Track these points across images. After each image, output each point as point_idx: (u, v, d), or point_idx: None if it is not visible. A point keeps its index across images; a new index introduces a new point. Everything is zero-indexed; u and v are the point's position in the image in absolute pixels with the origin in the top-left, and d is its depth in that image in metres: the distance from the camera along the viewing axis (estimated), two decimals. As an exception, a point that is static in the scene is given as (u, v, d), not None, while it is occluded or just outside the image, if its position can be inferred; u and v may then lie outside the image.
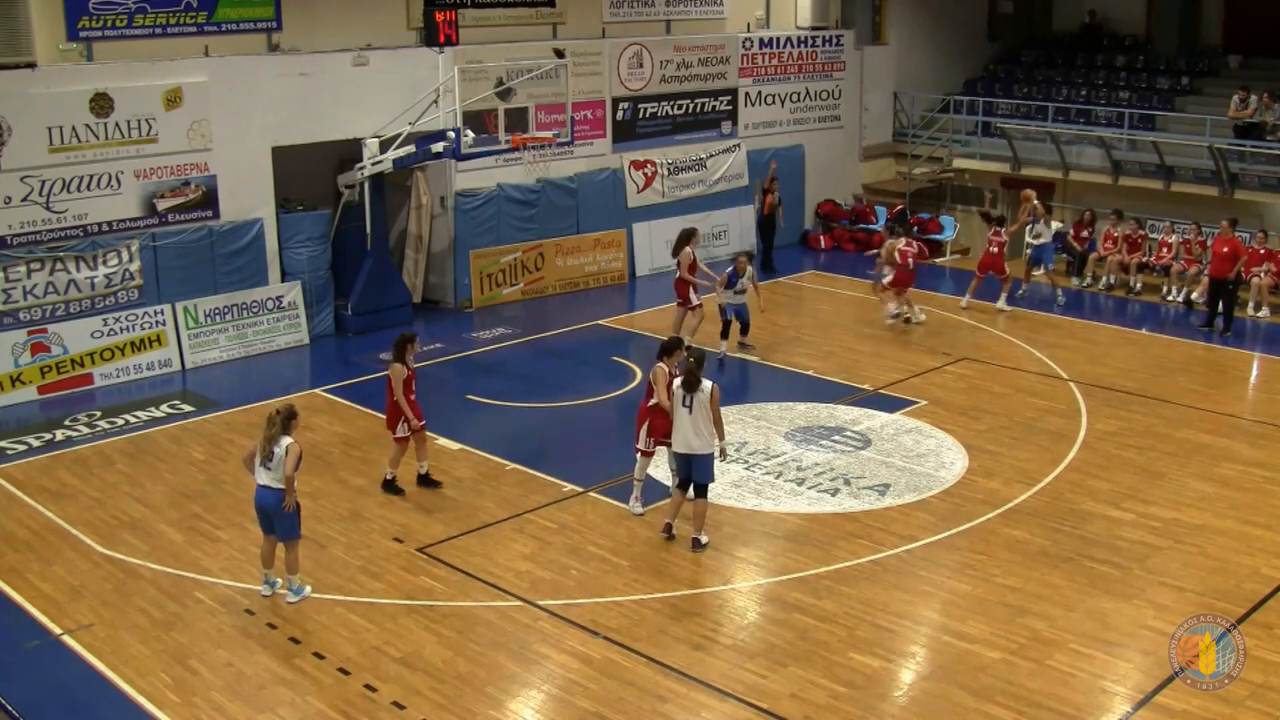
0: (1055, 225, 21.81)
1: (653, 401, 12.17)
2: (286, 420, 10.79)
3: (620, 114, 22.77)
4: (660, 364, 12.15)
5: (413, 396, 13.03)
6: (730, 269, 17.95)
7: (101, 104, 16.77)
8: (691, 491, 11.91)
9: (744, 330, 18.18)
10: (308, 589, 11.11)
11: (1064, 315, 20.28)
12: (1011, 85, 27.64)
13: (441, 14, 17.94)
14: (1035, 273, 21.33)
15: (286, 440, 10.71)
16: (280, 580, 11.13)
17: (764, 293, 18.66)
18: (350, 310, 19.43)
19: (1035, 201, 21.26)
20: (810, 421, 15.38)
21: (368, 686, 9.68)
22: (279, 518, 10.81)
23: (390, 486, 13.34)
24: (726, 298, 17.83)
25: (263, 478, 10.78)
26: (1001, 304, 20.30)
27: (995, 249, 20.23)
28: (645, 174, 23.19)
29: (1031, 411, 15.69)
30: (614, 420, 15.95)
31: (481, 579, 11.44)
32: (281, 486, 10.69)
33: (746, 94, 24.60)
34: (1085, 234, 22.58)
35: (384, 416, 13.16)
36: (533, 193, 21.57)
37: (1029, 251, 21.32)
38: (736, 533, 12.43)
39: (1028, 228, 21.06)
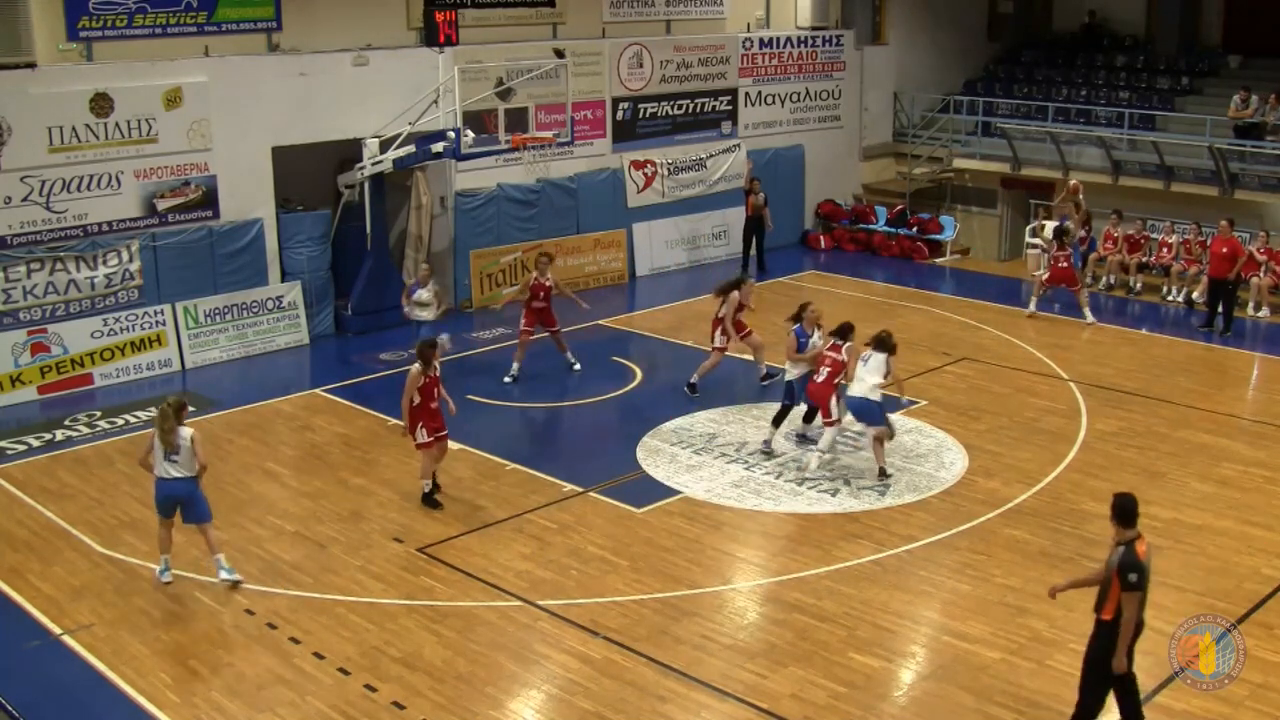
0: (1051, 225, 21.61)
1: (832, 378, 13.61)
2: (179, 411, 11.02)
3: (620, 114, 22.77)
4: (850, 343, 13.72)
5: (434, 404, 12.78)
6: (797, 327, 14.31)
7: (101, 104, 16.77)
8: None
9: (808, 417, 14.78)
10: (236, 574, 11.32)
11: (1064, 315, 20.26)
12: (1011, 85, 27.63)
13: (441, 14, 17.95)
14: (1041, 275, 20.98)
15: (187, 431, 10.98)
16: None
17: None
18: (350, 310, 19.44)
19: (1080, 196, 20.94)
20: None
21: (368, 686, 9.68)
22: (192, 505, 11.10)
23: (428, 500, 13.00)
24: (796, 370, 14.27)
25: (168, 471, 10.98)
26: (1087, 317, 19.71)
27: (1064, 263, 19.84)
28: (645, 174, 23.19)
29: (1031, 411, 15.69)
30: (614, 420, 15.96)
31: (481, 579, 11.44)
32: (190, 474, 10.99)
33: (746, 94, 24.59)
34: (1082, 233, 22.49)
35: (384, 417, 13.15)
36: (533, 193, 21.57)
37: (1036, 253, 20.64)
38: (736, 533, 12.44)
39: (1052, 226, 20.66)
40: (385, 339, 18.76)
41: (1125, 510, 8.28)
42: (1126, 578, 8.01)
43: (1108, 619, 8.22)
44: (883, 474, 13.52)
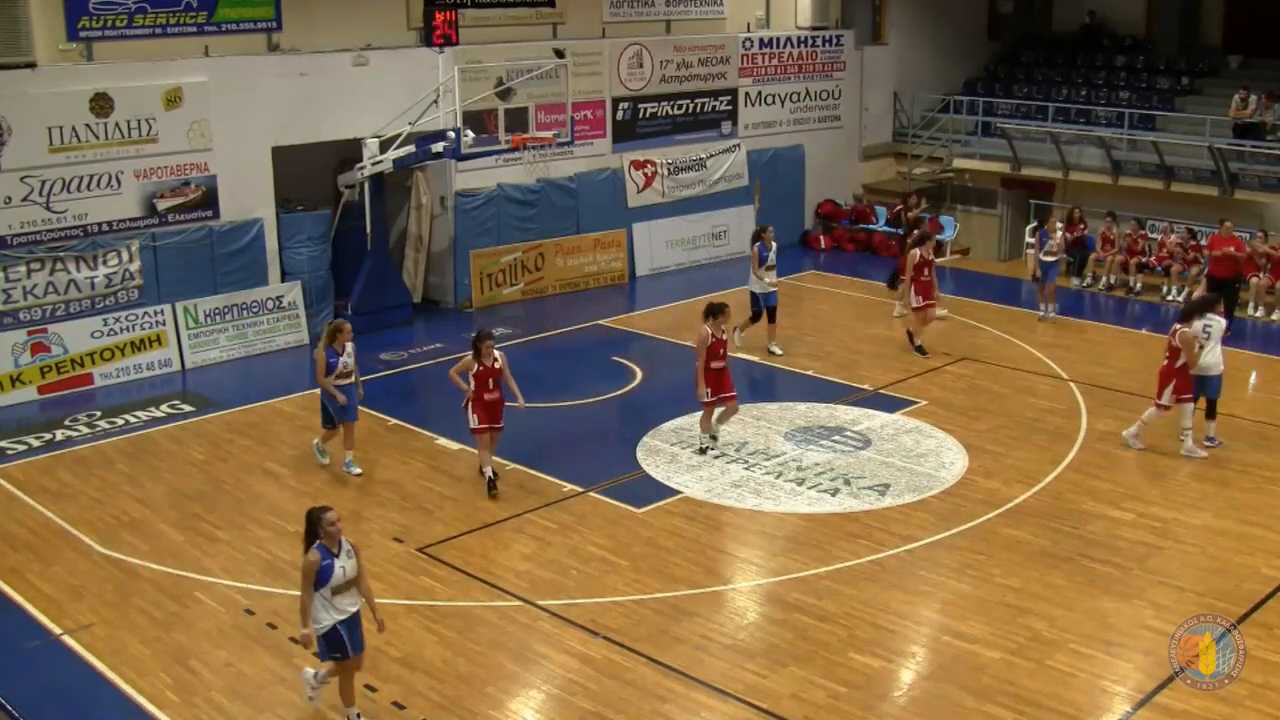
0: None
1: (1180, 361, 13.92)
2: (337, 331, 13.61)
3: (620, 114, 22.77)
4: (1189, 327, 13.91)
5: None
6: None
7: (101, 104, 16.77)
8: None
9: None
10: (357, 469, 13.73)
11: (1064, 315, 20.24)
12: (1011, 85, 27.63)
13: (441, 14, 17.95)
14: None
15: (348, 344, 13.55)
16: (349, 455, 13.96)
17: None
18: (350, 310, 19.40)
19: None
20: (810, 421, 15.38)
21: (368, 686, 9.67)
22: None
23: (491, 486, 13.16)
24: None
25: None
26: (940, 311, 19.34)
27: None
28: (645, 174, 23.19)
29: (1031, 411, 15.69)
30: (614, 420, 15.96)
31: (481, 579, 11.44)
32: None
33: (746, 94, 24.59)
34: (1078, 233, 22.34)
35: (384, 417, 13.13)
36: (533, 193, 21.57)
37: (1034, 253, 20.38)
38: (736, 533, 12.44)
39: (1032, 240, 20.46)
40: (385, 339, 18.76)
41: None
42: None
43: None
44: None
